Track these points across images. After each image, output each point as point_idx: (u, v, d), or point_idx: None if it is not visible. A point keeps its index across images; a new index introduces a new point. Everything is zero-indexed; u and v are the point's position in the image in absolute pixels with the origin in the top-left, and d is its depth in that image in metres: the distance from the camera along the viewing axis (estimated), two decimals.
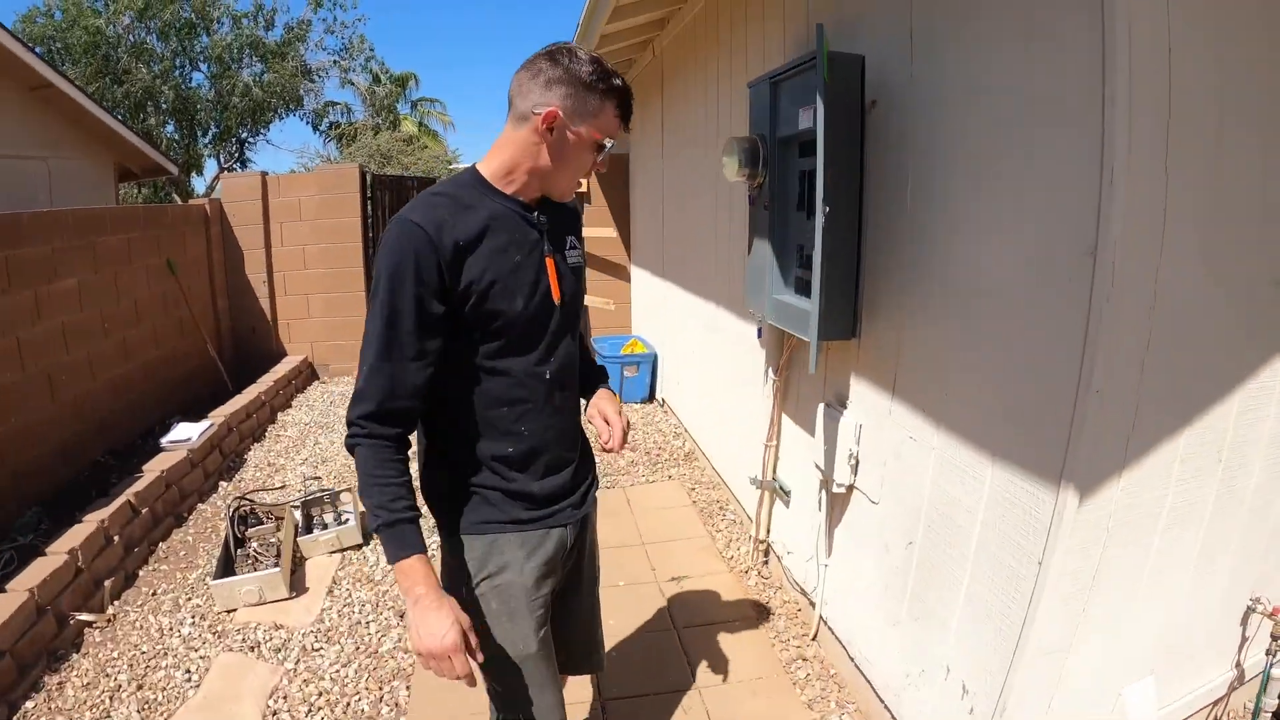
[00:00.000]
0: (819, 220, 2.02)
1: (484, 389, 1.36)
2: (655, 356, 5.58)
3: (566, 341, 1.46)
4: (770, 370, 2.91)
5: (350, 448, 1.29)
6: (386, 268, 1.25)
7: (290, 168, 21.27)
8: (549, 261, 1.40)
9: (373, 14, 43.59)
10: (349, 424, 1.29)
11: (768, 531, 3.12)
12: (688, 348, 4.61)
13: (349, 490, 3.67)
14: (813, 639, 2.64)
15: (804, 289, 2.43)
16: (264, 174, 6.46)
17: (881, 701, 2.17)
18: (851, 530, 2.37)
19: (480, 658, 1.26)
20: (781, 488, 2.95)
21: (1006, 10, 1.60)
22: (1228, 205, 1.47)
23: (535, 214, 1.39)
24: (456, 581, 1.41)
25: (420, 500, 1.34)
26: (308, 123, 18.45)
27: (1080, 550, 1.52)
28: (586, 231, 6.30)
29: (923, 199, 1.92)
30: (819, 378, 2.58)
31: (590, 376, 1.67)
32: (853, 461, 2.30)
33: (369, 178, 6.73)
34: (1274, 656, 1.86)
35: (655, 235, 5.47)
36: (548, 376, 1.41)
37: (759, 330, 2.93)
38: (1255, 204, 1.51)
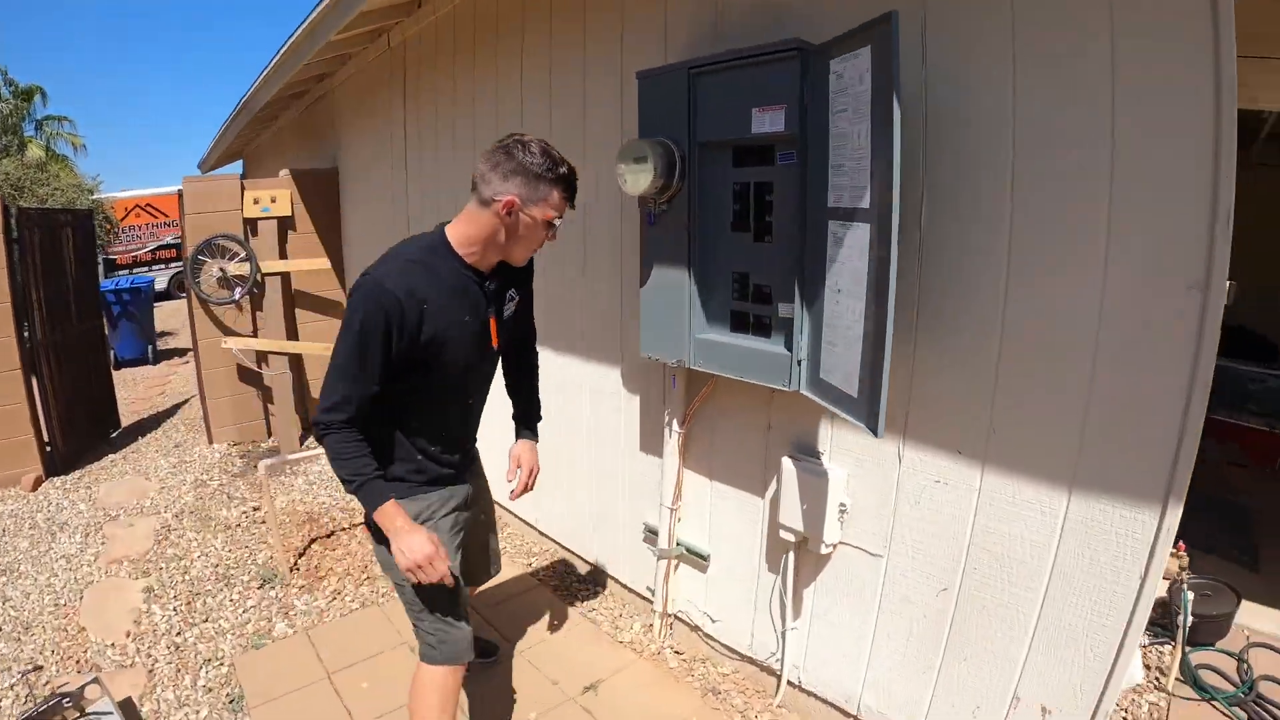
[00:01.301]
0: (866, 277, 1.72)
1: (423, 401, 1.79)
2: None
3: (489, 369, 1.97)
4: (672, 425, 2.51)
5: (320, 437, 1.65)
6: (361, 317, 1.61)
7: None
8: (491, 320, 1.85)
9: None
10: (319, 421, 1.65)
11: (670, 603, 2.71)
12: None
13: (96, 681, 2.27)
14: (777, 705, 2.38)
15: (746, 326, 2.17)
16: None
17: None
18: (837, 588, 2.25)
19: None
20: (694, 552, 2.60)
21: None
22: None
23: (487, 282, 1.81)
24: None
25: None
26: None
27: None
28: (294, 263, 4.91)
29: (966, 221, 1.78)
30: (759, 425, 2.36)
31: (529, 407, 2.25)
32: (842, 515, 2.06)
33: (12, 215, 4.35)
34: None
35: None
36: (469, 401, 1.94)
37: (673, 379, 2.49)
38: None
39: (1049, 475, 1.74)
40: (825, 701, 2.30)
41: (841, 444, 2.13)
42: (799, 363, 2.03)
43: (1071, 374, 1.67)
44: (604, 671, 2.57)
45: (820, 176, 1.90)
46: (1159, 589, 1.66)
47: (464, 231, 1.72)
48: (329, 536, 3.70)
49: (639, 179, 2.22)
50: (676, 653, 2.71)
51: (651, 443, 2.77)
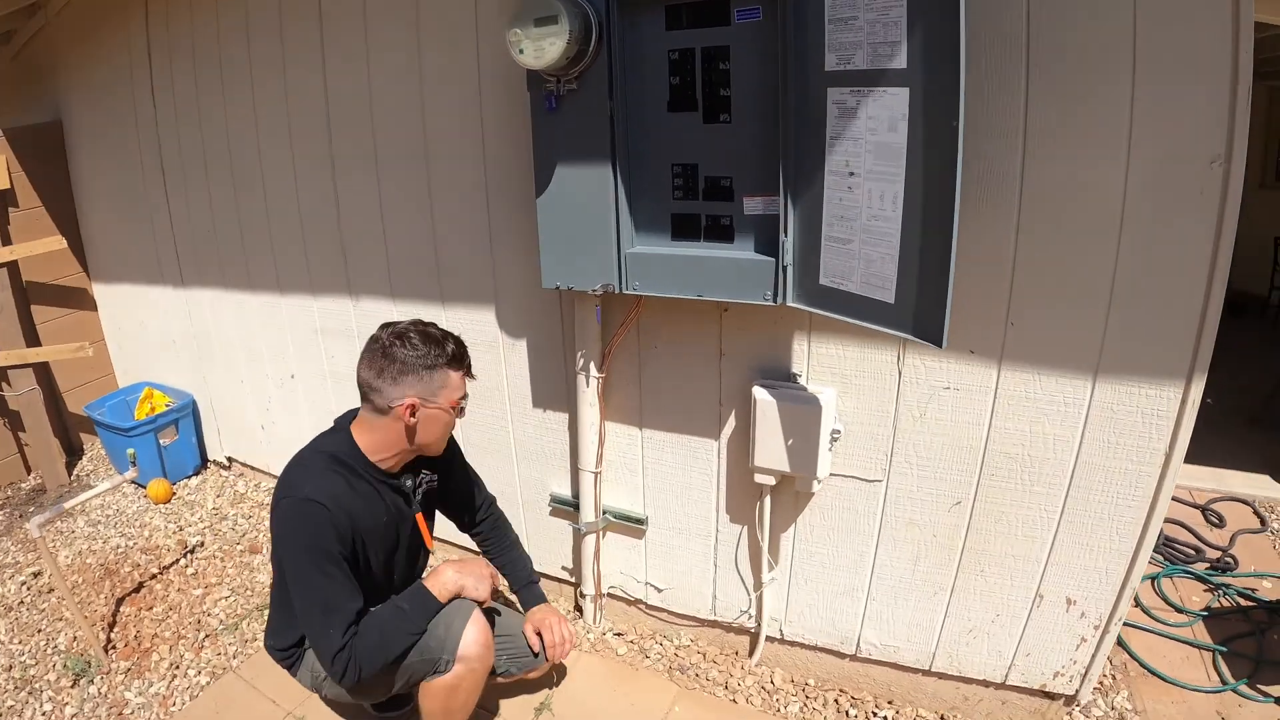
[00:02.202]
0: (907, 154, 1.39)
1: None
2: (193, 403, 3.39)
3: (423, 567, 1.90)
4: (588, 370, 2.02)
5: (345, 664, 1.54)
6: (304, 545, 1.54)
7: None
8: (419, 519, 1.78)
9: None
10: (338, 669, 1.55)
11: (602, 581, 2.27)
12: (306, 373, 2.93)
13: None
14: (756, 665, 2.14)
15: (696, 232, 1.80)
16: None
17: (918, 673, 2.00)
18: (826, 525, 1.98)
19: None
20: (627, 518, 2.18)
21: None
22: None
23: (406, 481, 1.72)
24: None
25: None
26: None
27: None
28: (21, 249, 3.26)
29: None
30: (707, 354, 1.98)
31: (521, 566, 2.05)
32: (834, 444, 1.79)
33: None
34: None
35: (166, 231, 3.15)
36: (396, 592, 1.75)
37: (597, 311, 1.96)
38: None
39: (1072, 365, 1.62)
40: (816, 648, 2.07)
41: (823, 362, 1.82)
42: (784, 269, 1.66)
43: (1096, 255, 1.53)
44: (548, 683, 2.08)
45: (810, 35, 1.49)
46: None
47: (373, 441, 1.64)
48: (138, 591, 2.64)
49: (545, 47, 1.61)
50: (618, 634, 2.29)
51: (551, 397, 2.23)
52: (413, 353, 1.56)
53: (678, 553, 2.18)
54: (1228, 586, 2.32)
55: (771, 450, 1.86)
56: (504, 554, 2.03)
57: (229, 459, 3.46)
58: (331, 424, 1.74)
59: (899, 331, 1.49)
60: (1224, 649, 2.08)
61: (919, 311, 1.45)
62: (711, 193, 1.73)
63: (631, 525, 2.21)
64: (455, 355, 1.62)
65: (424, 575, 1.76)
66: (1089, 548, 1.72)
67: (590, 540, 2.22)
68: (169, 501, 3.24)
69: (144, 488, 3.25)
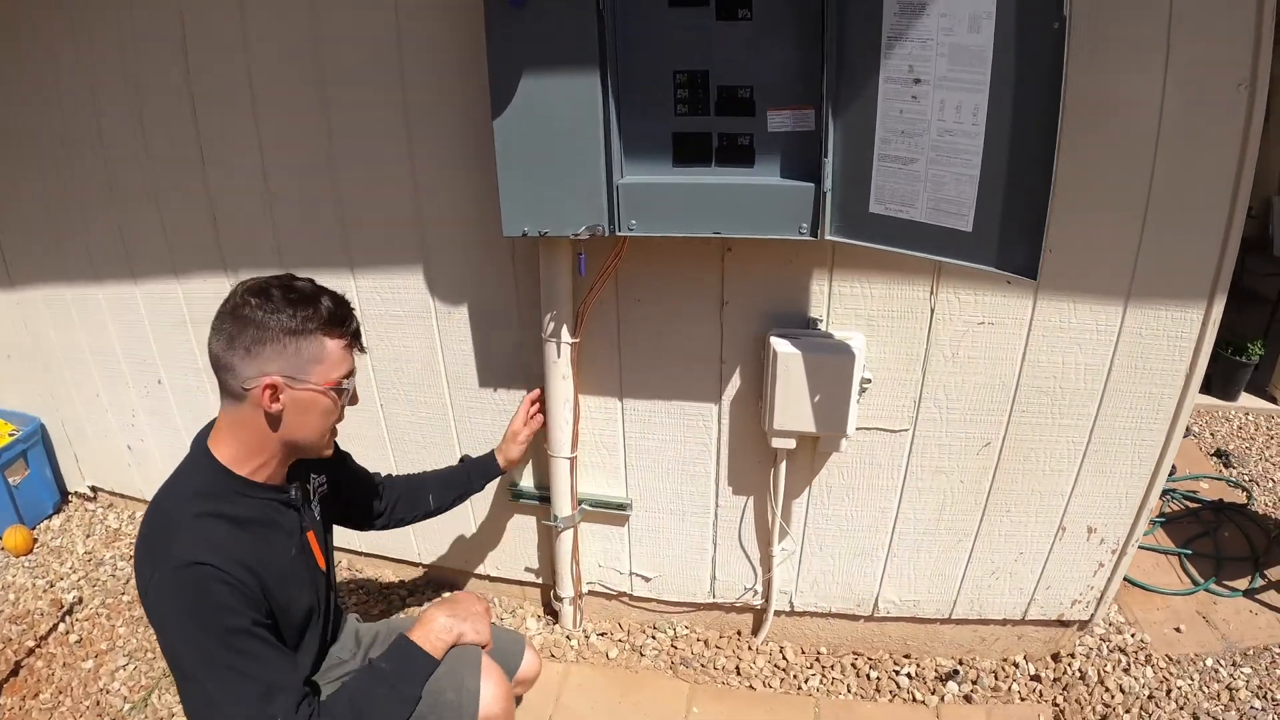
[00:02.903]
0: (991, 54, 1.19)
1: None
2: (41, 428, 2.53)
3: (333, 596, 1.43)
4: (560, 334, 1.67)
5: None
6: (199, 629, 1.06)
7: None
8: (310, 536, 1.32)
9: None
10: None
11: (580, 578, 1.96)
12: (176, 375, 2.28)
13: None
14: (763, 643, 1.97)
15: (706, 155, 1.49)
16: None
17: (936, 622, 1.93)
18: (846, 485, 1.81)
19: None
20: (607, 505, 1.90)
21: None
22: None
23: (291, 492, 1.27)
24: None
25: None
26: None
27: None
28: None
29: None
30: (706, 300, 1.70)
31: (450, 475, 1.73)
32: (862, 395, 1.62)
33: None
34: None
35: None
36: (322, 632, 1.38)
37: (580, 259, 1.58)
38: None
39: (1106, 290, 1.55)
40: (829, 615, 1.92)
41: (846, 304, 1.61)
42: (824, 195, 1.40)
43: (1134, 172, 1.45)
44: (543, 708, 1.74)
45: None
46: None
47: (232, 445, 1.18)
48: (15, 674, 1.98)
49: None
50: (601, 634, 1.99)
51: (504, 372, 1.83)
52: (273, 314, 1.11)
53: (668, 536, 1.92)
54: (1173, 491, 2.50)
55: (794, 409, 1.63)
56: (428, 487, 1.65)
57: (93, 489, 2.67)
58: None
59: (978, 264, 1.29)
60: (1188, 551, 2.22)
61: (1005, 240, 1.26)
62: (726, 106, 1.41)
63: (612, 512, 1.90)
64: (333, 317, 1.16)
65: (409, 627, 1.32)
66: (1111, 475, 1.70)
67: (567, 536, 1.88)
68: (30, 552, 2.45)
69: None
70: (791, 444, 1.68)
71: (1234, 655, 1.93)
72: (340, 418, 1.24)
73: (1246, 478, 2.67)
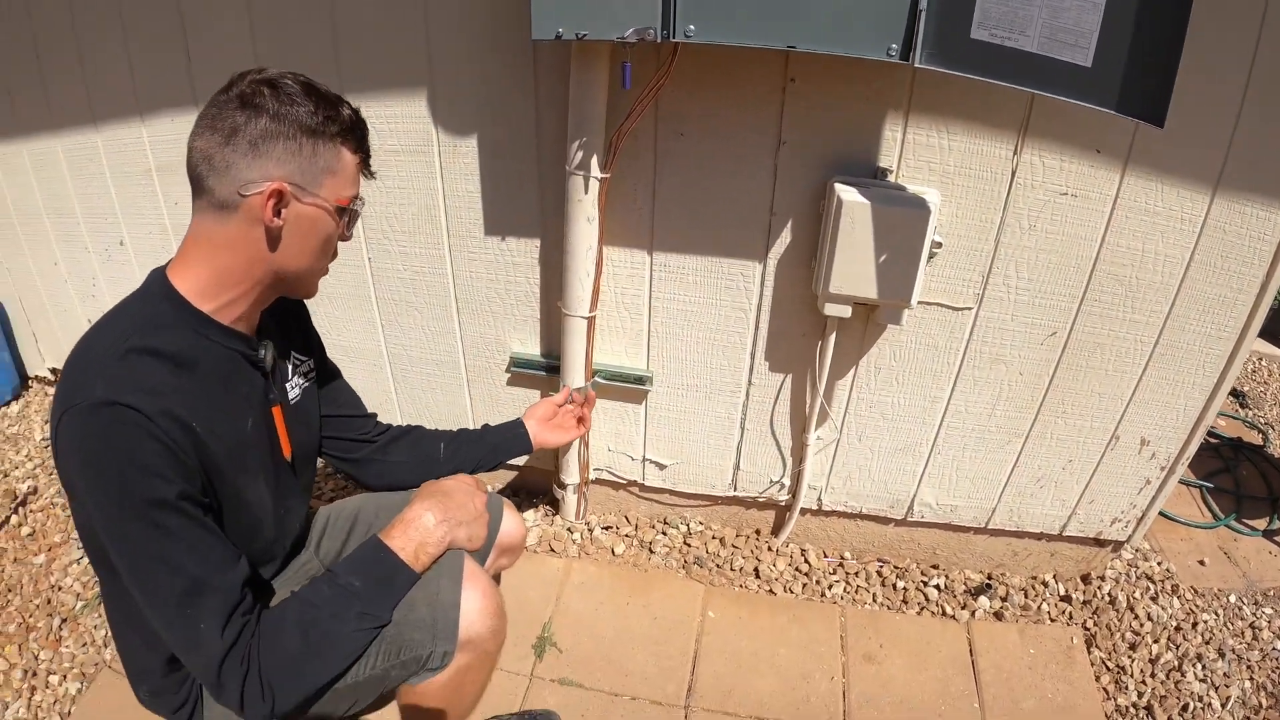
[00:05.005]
0: None
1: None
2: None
3: (296, 504, 1.17)
4: (589, 166, 1.48)
5: (242, 685, 0.88)
6: (114, 489, 0.84)
7: None
8: (276, 412, 1.07)
9: None
10: (221, 675, 0.87)
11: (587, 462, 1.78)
12: (140, 234, 2.01)
13: None
14: (784, 544, 1.81)
15: None
16: None
17: (970, 531, 1.82)
18: (896, 367, 1.67)
19: None
20: (625, 378, 1.71)
21: None
22: None
23: (260, 351, 1.02)
24: None
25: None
26: None
27: None
28: None
29: None
30: (761, 139, 1.52)
31: (477, 437, 1.39)
32: (932, 260, 1.49)
33: None
34: None
35: None
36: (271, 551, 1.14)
37: (625, 71, 1.36)
38: None
39: (1196, 174, 1.44)
40: (858, 516, 1.78)
41: (920, 155, 1.46)
42: (920, 13, 1.25)
43: (1235, 44, 1.32)
44: (541, 607, 1.54)
45: None
46: None
47: (201, 271, 0.93)
48: None
49: None
50: (606, 528, 1.81)
51: (516, 217, 1.62)
52: (290, 107, 0.90)
53: (691, 417, 1.75)
54: None
55: (855, 270, 1.48)
56: (438, 437, 1.35)
57: (54, 371, 2.35)
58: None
59: (1097, 105, 1.16)
60: (1210, 485, 2.19)
61: (1129, 79, 1.13)
62: None
63: (630, 386, 1.71)
64: (355, 125, 0.97)
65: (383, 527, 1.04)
66: (1174, 383, 1.61)
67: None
68: None
69: None
70: (846, 312, 1.53)
71: (1255, 594, 1.87)
72: (335, 254, 1.03)
73: (1263, 420, 2.67)
